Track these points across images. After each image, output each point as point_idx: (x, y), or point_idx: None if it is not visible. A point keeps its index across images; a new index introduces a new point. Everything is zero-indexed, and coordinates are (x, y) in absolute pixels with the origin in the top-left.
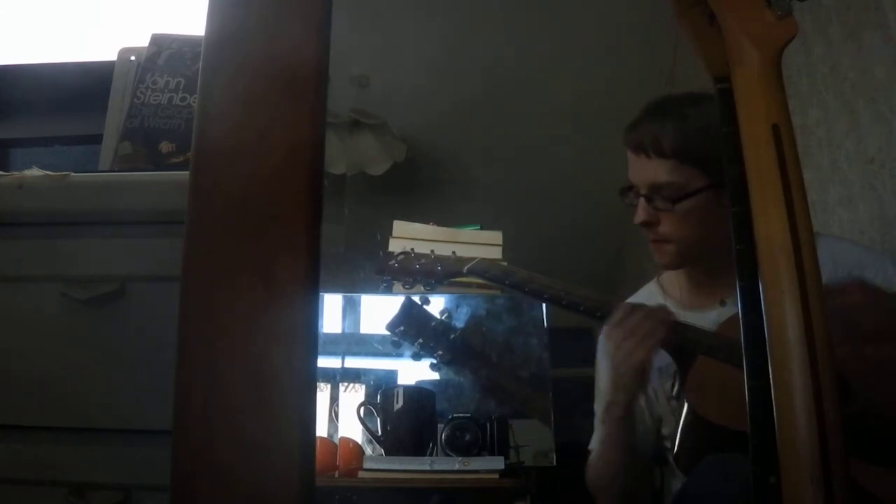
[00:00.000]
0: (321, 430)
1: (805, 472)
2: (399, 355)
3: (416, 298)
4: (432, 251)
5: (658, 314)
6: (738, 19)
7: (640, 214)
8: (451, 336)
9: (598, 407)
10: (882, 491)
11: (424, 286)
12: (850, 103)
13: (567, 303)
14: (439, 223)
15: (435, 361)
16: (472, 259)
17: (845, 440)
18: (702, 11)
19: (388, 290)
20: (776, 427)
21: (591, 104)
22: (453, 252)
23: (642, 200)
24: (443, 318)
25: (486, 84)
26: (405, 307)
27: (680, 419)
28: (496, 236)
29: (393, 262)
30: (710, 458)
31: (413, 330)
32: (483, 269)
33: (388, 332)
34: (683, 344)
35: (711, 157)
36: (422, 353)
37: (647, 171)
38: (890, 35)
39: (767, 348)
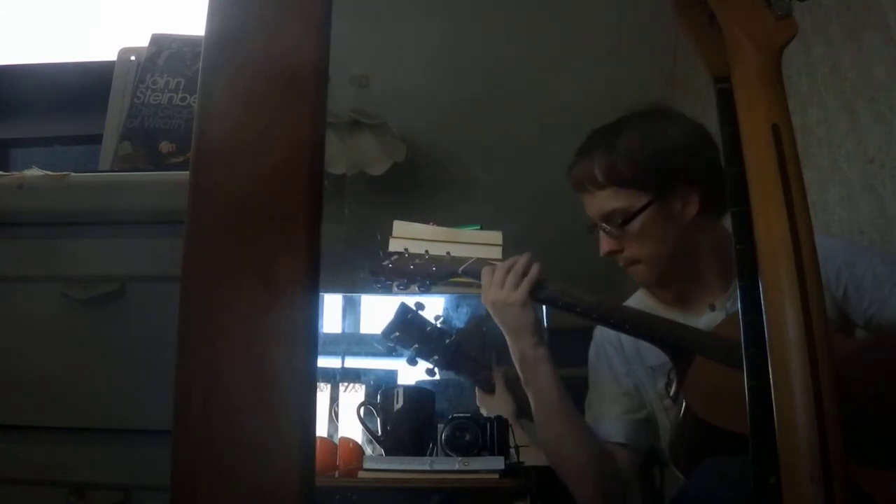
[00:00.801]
0: (321, 430)
1: (805, 472)
2: (399, 355)
3: (412, 304)
4: (427, 252)
5: (519, 260)
6: (738, 19)
7: (603, 246)
8: (447, 341)
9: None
10: (880, 493)
11: (419, 287)
12: (850, 103)
13: (563, 304)
14: (439, 223)
15: (430, 367)
16: (468, 259)
17: (845, 440)
18: (702, 11)
19: (388, 291)
20: (776, 427)
21: (592, 104)
22: (448, 252)
23: (601, 233)
24: (438, 322)
25: (486, 84)
26: (400, 313)
27: (674, 419)
28: (496, 236)
29: (387, 262)
30: (709, 460)
31: (408, 336)
32: (479, 270)
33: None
34: (679, 343)
35: (641, 176)
36: (417, 358)
37: (594, 204)
38: (890, 35)
39: (767, 348)
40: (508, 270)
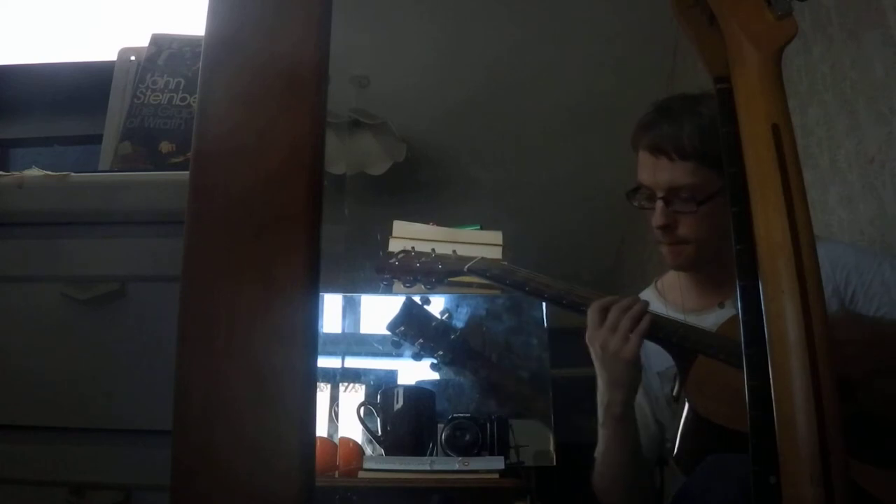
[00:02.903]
0: (321, 430)
1: (805, 472)
2: (399, 355)
3: (417, 299)
4: (433, 250)
5: (634, 306)
6: (738, 19)
7: (660, 218)
8: (452, 336)
9: (600, 410)
10: (881, 491)
11: (425, 285)
12: (850, 103)
13: (567, 302)
14: (439, 223)
15: (435, 361)
16: (473, 258)
17: (845, 440)
18: (702, 11)
19: (389, 290)
20: (776, 427)
21: (592, 104)
22: (454, 251)
23: (660, 203)
24: (443, 318)
25: (487, 84)
26: (406, 307)
27: (680, 420)
28: (496, 236)
29: (394, 260)
30: (710, 458)
31: (413, 330)
32: (484, 268)
33: (388, 332)
34: (683, 343)
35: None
36: (422, 353)
37: (666, 173)
38: (890, 35)
39: (767, 348)
40: (623, 313)
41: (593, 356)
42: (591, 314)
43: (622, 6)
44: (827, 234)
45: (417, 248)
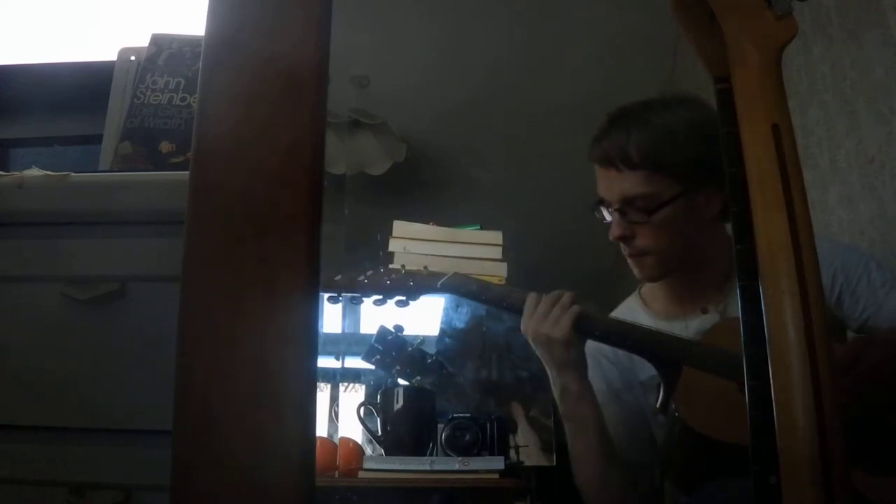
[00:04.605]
0: (321, 430)
1: (805, 473)
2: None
3: (390, 327)
4: (403, 266)
5: (564, 295)
6: (738, 19)
7: (615, 230)
8: (428, 360)
9: (559, 402)
10: (881, 498)
11: (397, 304)
12: (850, 103)
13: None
14: (439, 223)
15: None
16: (444, 274)
17: (846, 441)
18: (702, 11)
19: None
20: (776, 427)
21: (592, 104)
22: (425, 267)
23: (616, 215)
24: (418, 344)
25: (486, 84)
26: (380, 337)
27: (668, 432)
28: (496, 236)
29: (363, 278)
30: (711, 484)
31: (389, 358)
32: (457, 285)
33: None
34: (668, 354)
35: (681, 163)
36: (401, 378)
37: (618, 184)
38: (890, 35)
39: (767, 348)
40: (554, 303)
41: (532, 345)
42: (527, 304)
43: (622, 6)
44: (827, 234)
45: (410, 250)
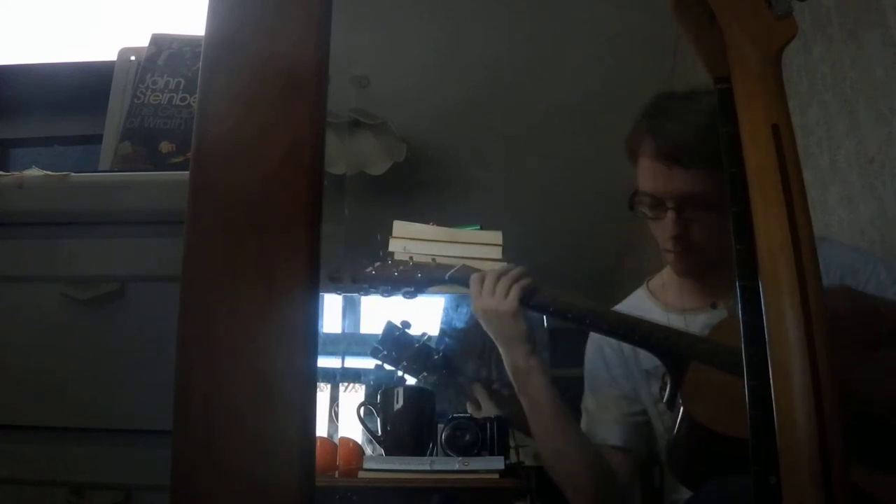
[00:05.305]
0: (321, 430)
1: (805, 473)
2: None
3: (398, 322)
4: (411, 258)
5: (511, 270)
6: (738, 19)
7: (674, 228)
8: (434, 357)
9: (512, 378)
10: (880, 493)
11: (404, 295)
12: (850, 103)
13: (553, 311)
14: (439, 223)
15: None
16: (453, 266)
17: (846, 440)
18: (702, 11)
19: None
20: (776, 427)
21: (592, 104)
22: (433, 258)
23: (672, 213)
24: (424, 340)
25: (486, 84)
26: (386, 332)
27: (669, 424)
28: (496, 236)
29: (370, 269)
30: (712, 482)
31: (395, 354)
32: (466, 277)
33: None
34: (675, 350)
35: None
36: (406, 374)
37: (679, 181)
38: (890, 35)
39: (767, 348)
40: (499, 278)
41: (482, 323)
42: (473, 284)
43: (622, 6)
44: (827, 234)
45: (410, 249)
